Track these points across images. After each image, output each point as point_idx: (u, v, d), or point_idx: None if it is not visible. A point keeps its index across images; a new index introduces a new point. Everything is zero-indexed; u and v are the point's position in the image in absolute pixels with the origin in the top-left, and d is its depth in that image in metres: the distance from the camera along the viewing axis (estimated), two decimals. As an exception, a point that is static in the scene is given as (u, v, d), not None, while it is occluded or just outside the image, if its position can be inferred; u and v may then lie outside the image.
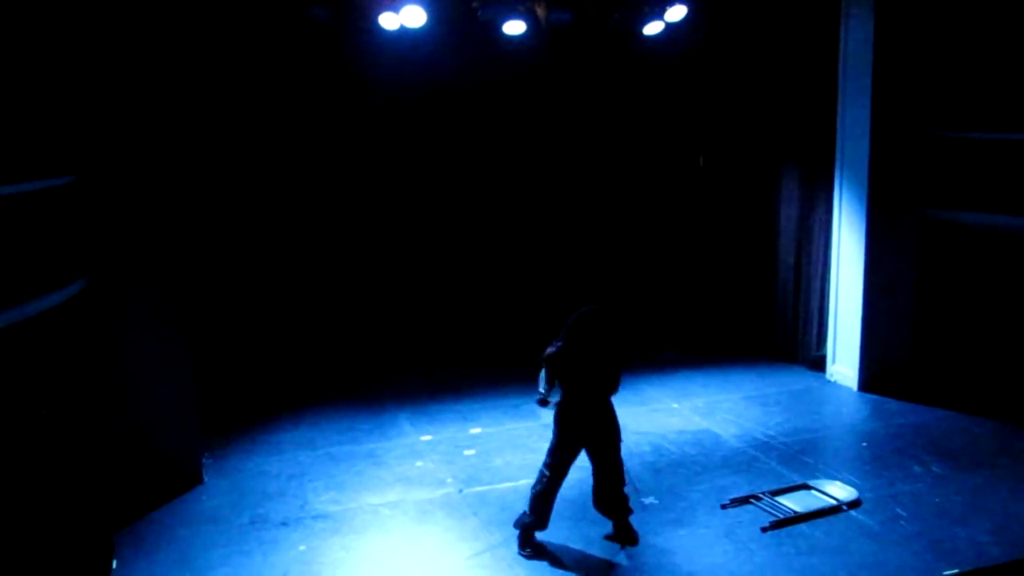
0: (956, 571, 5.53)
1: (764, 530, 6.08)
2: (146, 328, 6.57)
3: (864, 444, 7.73)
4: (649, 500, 6.55)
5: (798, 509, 6.32)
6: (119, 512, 6.22)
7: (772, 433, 7.89)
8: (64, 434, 5.32)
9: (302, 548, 5.94)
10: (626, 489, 5.97)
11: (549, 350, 5.69)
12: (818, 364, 9.53)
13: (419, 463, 7.36)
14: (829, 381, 9.31)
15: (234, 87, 8.95)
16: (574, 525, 6.14)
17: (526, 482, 6.77)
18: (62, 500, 5.09)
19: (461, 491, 6.81)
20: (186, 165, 7.03)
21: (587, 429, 5.78)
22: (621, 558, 5.79)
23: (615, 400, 5.85)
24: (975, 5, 8.28)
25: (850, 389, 9.01)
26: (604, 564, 5.75)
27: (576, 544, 5.95)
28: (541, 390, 5.70)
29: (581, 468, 5.94)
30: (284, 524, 6.28)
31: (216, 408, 8.02)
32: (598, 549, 5.91)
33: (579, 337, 5.62)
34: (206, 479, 7.00)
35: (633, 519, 6.02)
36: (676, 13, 8.75)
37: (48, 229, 5.71)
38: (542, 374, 5.72)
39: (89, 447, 5.84)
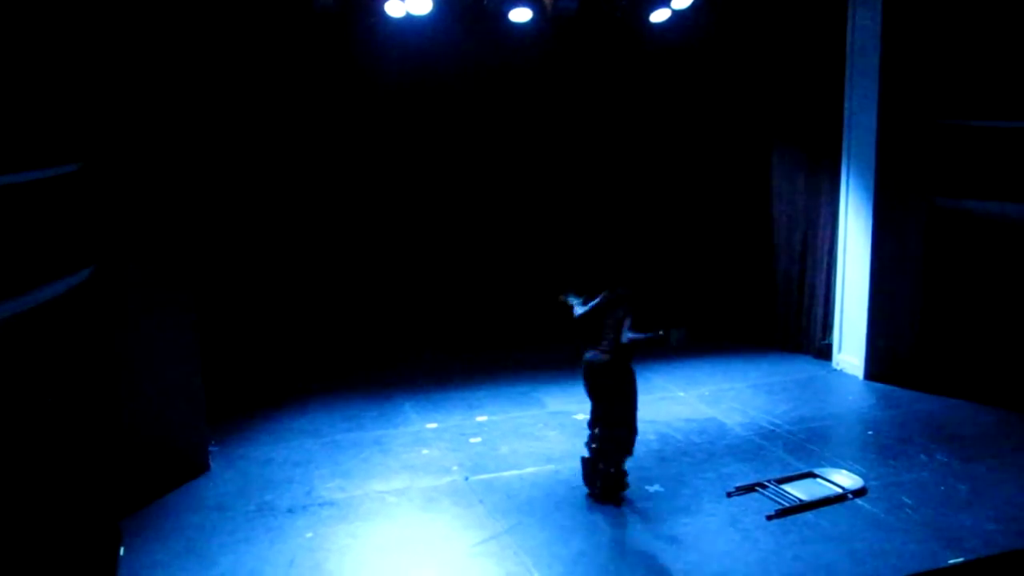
0: (961, 559, 5.54)
1: (770, 518, 6.09)
2: (153, 316, 6.58)
3: (870, 433, 7.73)
4: (655, 488, 6.56)
5: (803, 497, 6.32)
6: (126, 499, 6.24)
7: (778, 421, 7.89)
8: (71, 422, 5.34)
9: (308, 535, 5.96)
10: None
11: (576, 308, 6.42)
12: (824, 353, 9.53)
13: (425, 451, 7.37)
14: (835, 370, 9.30)
15: (240, 75, 8.92)
16: (577, 513, 6.15)
17: (532, 470, 6.83)
18: (69, 487, 5.12)
19: (467, 479, 6.82)
20: (192, 153, 7.02)
21: (594, 374, 6.24)
22: (627, 546, 5.80)
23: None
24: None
25: (856, 378, 9.01)
26: (609, 552, 5.76)
27: (579, 533, 5.95)
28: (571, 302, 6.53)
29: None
30: (290, 511, 6.30)
31: (222, 396, 8.04)
32: (601, 537, 5.91)
33: (603, 309, 6.25)
34: (212, 467, 7.02)
35: (639, 507, 6.03)
36: (683, 0, 8.72)
37: (54, 217, 5.71)
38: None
39: (96, 435, 5.85)
